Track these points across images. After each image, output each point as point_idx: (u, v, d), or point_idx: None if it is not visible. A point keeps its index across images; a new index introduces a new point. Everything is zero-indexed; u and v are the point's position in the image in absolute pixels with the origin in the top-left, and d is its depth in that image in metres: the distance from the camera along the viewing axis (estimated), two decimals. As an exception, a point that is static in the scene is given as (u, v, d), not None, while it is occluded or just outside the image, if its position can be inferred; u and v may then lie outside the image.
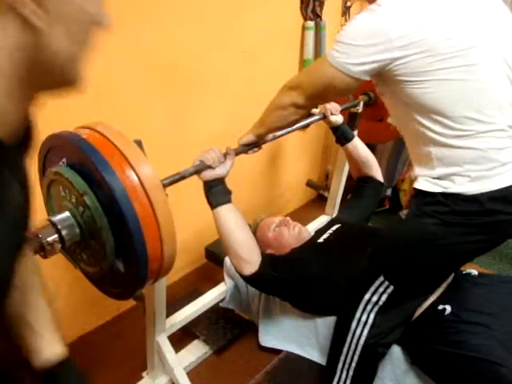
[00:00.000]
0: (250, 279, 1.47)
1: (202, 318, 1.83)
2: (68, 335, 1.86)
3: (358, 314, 1.33)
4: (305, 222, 1.86)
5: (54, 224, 0.96)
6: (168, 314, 1.59)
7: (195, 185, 1.38)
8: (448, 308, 1.31)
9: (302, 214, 2.74)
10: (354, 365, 1.37)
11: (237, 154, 1.40)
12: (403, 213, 1.28)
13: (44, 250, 0.94)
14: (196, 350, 1.81)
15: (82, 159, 0.94)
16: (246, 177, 2.39)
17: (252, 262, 1.44)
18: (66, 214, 0.98)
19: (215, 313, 1.92)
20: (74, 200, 0.98)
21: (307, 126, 1.75)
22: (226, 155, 1.37)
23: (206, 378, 1.72)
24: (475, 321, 1.28)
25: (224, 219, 1.39)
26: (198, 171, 1.32)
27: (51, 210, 1.11)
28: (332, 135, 1.93)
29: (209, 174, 1.34)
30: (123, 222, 0.90)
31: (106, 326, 1.98)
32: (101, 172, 0.90)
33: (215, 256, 2.02)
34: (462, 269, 1.49)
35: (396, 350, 1.43)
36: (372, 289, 1.29)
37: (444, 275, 1.35)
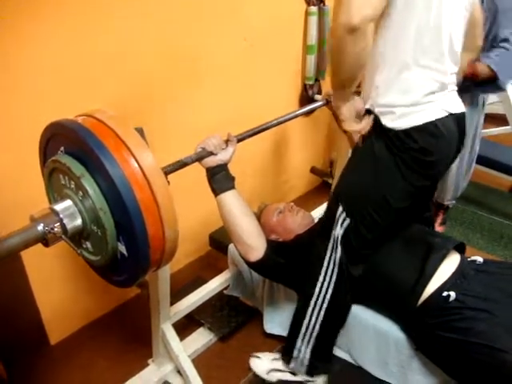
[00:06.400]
0: (255, 265, 1.47)
1: (206, 306, 1.83)
2: (73, 323, 1.88)
3: (328, 253, 1.40)
4: (309, 209, 1.85)
5: (55, 212, 0.96)
6: (172, 302, 1.59)
7: (198, 173, 1.37)
8: (452, 294, 1.30)
9: (306, 201, 2.73)
10: (325, 305, 1.42)
11: (239, 140, 1.39)
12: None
13: (46, 239, 0.94)
14: (201, 338, 1.82)
15: (79, 144, 0.94)
16: (249, 163, 2.38)
17: (258, 248, 1.44)
18: (68, 201, 0.98)
19: (219, 300, 1.93)
20: (73, 186, 0.97)
21: (311, 111, 1.74)
22: (227, 141, 1.36)
23: (211, 365, 1.73)
24: (480, 307, 1.27)
25: (228, 205, 1.38)
26: (199, 158, 1.31)
27: (53, 200, 1.10)
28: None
29: (211, 161, 1.33)
30: (122, 203, 0.90)
31: (112, 314, 1.99)
32: (97, 154, 0.90)
33: (219, 243, 2.02)
34: (466, 256, 1.48)
35: (401, 336, 1.43)
36: (334, 225, 1.38)
37: (390, 212, 1.35)
